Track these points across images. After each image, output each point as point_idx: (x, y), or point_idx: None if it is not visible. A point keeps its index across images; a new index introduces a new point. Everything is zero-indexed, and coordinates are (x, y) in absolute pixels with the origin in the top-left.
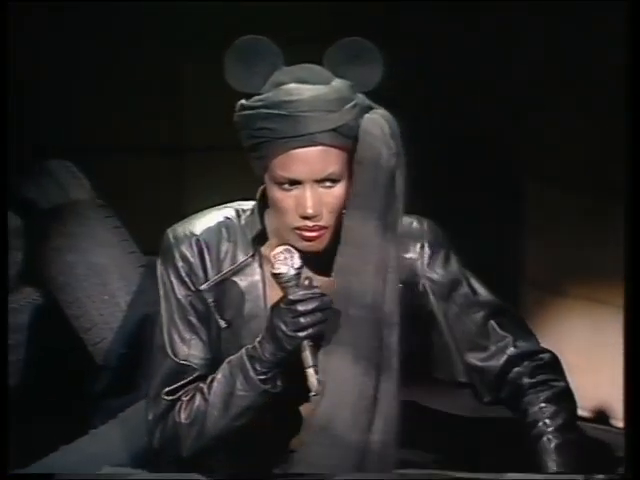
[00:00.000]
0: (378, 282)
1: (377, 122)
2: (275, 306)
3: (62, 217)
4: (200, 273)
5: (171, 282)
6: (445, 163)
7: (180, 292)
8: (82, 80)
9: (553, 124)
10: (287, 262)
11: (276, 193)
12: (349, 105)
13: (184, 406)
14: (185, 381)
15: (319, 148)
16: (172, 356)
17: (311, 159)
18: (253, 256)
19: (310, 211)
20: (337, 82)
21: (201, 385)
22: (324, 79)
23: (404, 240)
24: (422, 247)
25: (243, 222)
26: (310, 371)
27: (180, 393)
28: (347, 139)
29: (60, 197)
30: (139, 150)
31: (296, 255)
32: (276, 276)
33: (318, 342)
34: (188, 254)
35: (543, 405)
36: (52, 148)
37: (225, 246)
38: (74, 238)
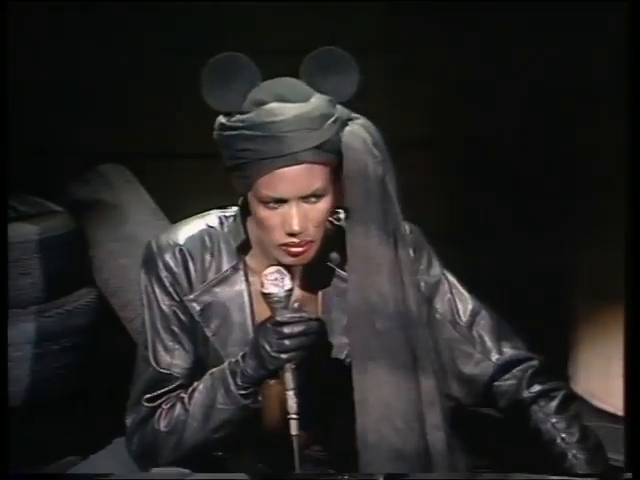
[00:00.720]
0: (396, 289)
1: (358, 134)
2: (261, 325)
3: (115, 221)
4: (184, 283)
5: (154, 292)
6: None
7: (164, 302)
8: (82, 80)
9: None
10: (278, 283)
11: (261, 212)
12: (330, 121)
13: (164, 414)
14: (166, 389)
15: (303, 166)
16: (154, 365)
17: (296, 177)
18: (237, 265)
19: (296, 228)
20: (317, 98)
21: (182, 394)
22: (304, 95)
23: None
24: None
25: (226, 230)
26: (290, 394)
27: (161, 400)
28: (330, 154)
29: (114, 201)
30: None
31: (287, 277)
32: (266, 296)
33: (301, 365)
34: (172, 264)
35: (554, 420)
36: (52, 148)
37: (209, 255)
38: (127, 242)
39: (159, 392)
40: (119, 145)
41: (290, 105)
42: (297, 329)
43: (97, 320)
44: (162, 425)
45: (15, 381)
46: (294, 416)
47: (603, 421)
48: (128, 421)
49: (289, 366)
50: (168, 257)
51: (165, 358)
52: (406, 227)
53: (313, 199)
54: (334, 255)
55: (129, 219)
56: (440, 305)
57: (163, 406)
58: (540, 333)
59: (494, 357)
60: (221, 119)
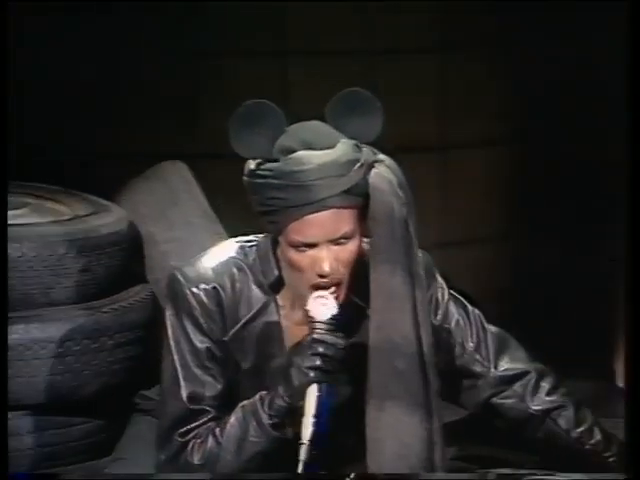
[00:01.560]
0: (416, 329)
1: (385, 176)
2: (297, 344)
3: (169, 221)
4: (217, 319)
5: (185, 327)
6: None
7: (197, 338)
8: (82, 80)
9: None
10: (325, 304)
11: (292, 255)
12: (357, 166)
13: (197, 447)
14: (198, 423)
15: (331, 211)
16: (186, 402)
17: (325, 223)
18: (269, 301)
19: (327, 269)
20: (342, 144)
21: (214, 427)
22: (329, 141)
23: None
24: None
25: (252, 261)
26: (308, 419)
27: (193, 434)
28: (357, 197)
29: (170, 201)
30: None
31: (333, 301)
32: (310, 317)
33: (324, 394)
34: (204, 300)
35: (576, 435)
36: (52, 149)
37: (239, 289)
38: (179, 243)
39: (191, 426)
40: (129, 145)
41: (317, 153)
42: (331, 352)
43: (151, 317)
44: (195, 459)
45: (74, 374)
46: (306, 442)
47: None
48: (162, 457)
49: (314, 391)
50: (200, 293)
51: (197, 392)
52: (419, 254)
53: (342, 241)
54: None
55: (183, 220)
56: (450, 326)
57: (196, 440)
58: (586, 330)
59: (491, 371)
60: (250, 165)
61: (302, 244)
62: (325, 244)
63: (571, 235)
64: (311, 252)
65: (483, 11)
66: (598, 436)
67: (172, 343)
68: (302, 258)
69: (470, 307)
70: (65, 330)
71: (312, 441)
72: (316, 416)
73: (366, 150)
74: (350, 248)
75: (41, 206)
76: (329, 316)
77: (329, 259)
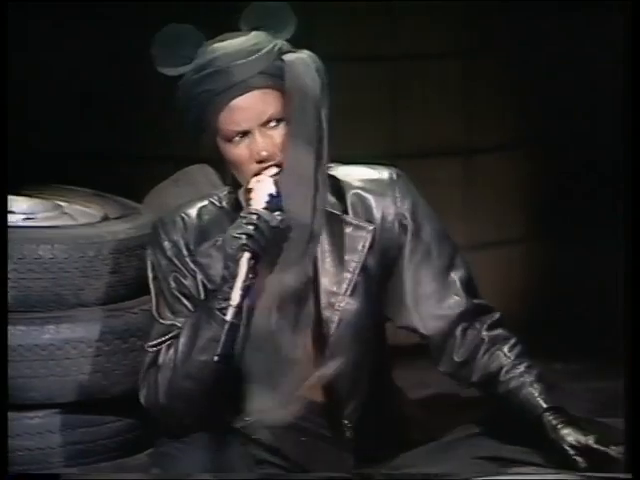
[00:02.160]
0: (307, 205)
1: (300, 57)
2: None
3: None
4: (183, 244)
5: (158, 260)
6: None
7: (167, 268)
8: (82, 83)
9: None
10: (264, 183)
11: (230, 149)
12: (270, 46)
13: (162, 353)
14: (168, 337)
15: (255, 93)
16: (158, 318)
17: (251, 105)
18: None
19: (264, 153)
20: (253, 34)
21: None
22: (242, 34)
23: (379, 185)
24: (394, 191)
25: (221, 196)
26: (238, 283)
27: (162, 345)
28: (277, 79)
29: None
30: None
31: (271, 181)
32: (251, 197)
33: (258, 256)
34: (170, 229)
35: (525, 364)
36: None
37: (207, 219)
38: None
39: (161, 339)
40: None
41: (229, 41)
42: (263, 225)
43: None
44: (160, 363)
45: (105, 374)
46: (233, 304)
47: None
48: (139, 374)
49: (246, 258)
50: (166, 224)
51: (165, 312)
52: (391, 171)
53: (273, 124)
54: None
55: None
56: (421, 245)
57: (164, 347)
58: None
59: (465, 303)
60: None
61: (235, 133)
62: (257, 129)
63: (595, 237)
64: (247, 141)
65: (505, 14)
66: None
67: (150, 279)
68: (240, 150)
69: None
70: (95, 330)
71: (240, 307)
72: (245, 281)
73: (283, 41)
74: (282, 132)
75: (72, 209)
76: (267, 197)
77: (264, 142)
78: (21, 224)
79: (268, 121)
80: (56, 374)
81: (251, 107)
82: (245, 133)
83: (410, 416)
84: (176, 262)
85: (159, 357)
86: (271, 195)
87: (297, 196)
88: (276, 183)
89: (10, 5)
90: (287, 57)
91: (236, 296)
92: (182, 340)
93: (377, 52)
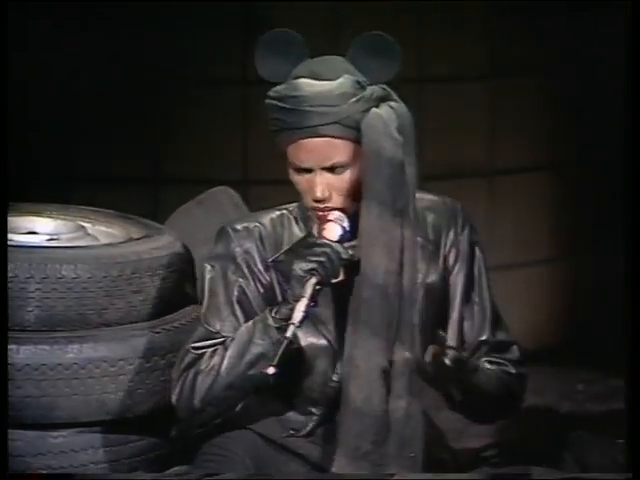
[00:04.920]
0: (389, 263)
1: (379, 115)
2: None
3: None
4: (257, 255)
5: (224, 267)
6: None
7: (232, 276)
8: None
9: None
10: (335, 222)
11: (294, 176)
12: (352, 100)
13: (206, 358)
14: (212, 342)
15: (324, 139)
16: (205, 325)
17: (317, 149)
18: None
19: (319, 195)
20: (344, 78)
21: (226, 341)
22: (334, 74)
23: (445, 210)
24: (456, 222)
25: (292, 208)
26: (303, 301)
27: (206, 350)
28: (352, 130)
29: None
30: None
31: (340, 222)
32: (320, 232)
33: (323, 282)
34: (245, 238)
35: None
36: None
37: (280, 230)
38: None
39: (205, 344)
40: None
41: (315, 82)
42: (334, 256)
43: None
44: (202, 368)
45: (128, 393)
46: (296, 323)
47: None
48: (174, 371)
49: (313, 281)
50: (240, 231)
51: (215, 322)
52: (449, 201)
53: (337, 170)
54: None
55: None
56: (468, 273)
57: (207, 351)
58: None
59: (485, 335)
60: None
61: (297, 167)
62: (319, 170)
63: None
64: (307, 176)
65: (529, 37)
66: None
67: (206, 282)
68: (301, 180)
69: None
70: (119, 350)
71: (300, 325)
72: (309, 304)
73: (375, 89)
74: (345, 178)
75: (95, 230)
76: (340, 229)
77: (321, 185)
78: (45, 244)
79: (332, 167)
80: (80, 393)
81: (317, 150)
82: (307, 170)
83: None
84: (245, 270)
85: (201, 361)
86: (343, 228)
87: (370, 257)
88: (348, 219)
89: (10, 5)
90: (366, 116)
91: (298, 316)
92: (230, 351)
93: (401, 74)
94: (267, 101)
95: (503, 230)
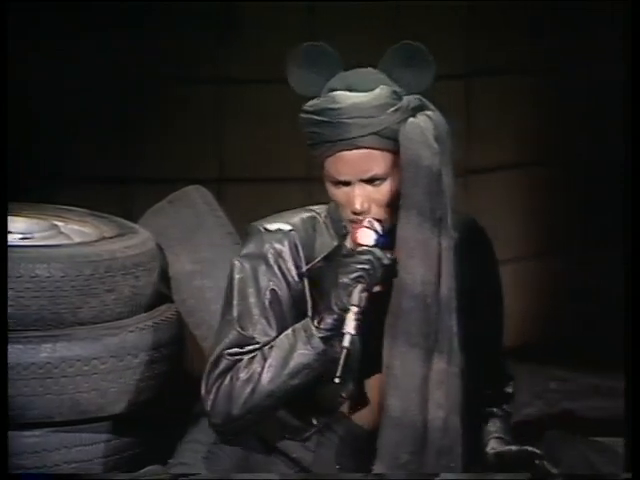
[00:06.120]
0: (428, 273)
1: (417, 125)
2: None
3: (196, 243)
4: (290, 260)
5: (255, 269)
6: None
7: (264, 280)
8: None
9: None
10: (371, 228)
11: (331, 189)
12: (390, 110)
13: (243, 365)
14: (248, 349)
15: (363, 151)
16: (239, 329)
17: (356, 161)
18: (339, 246)
19: (358, 207)
20: (381, 89)
21: (263, 348)
22: (370, 85)
23: (475, 231)
24: (484, 238)
25: (323, 211)
26: (353, 309)
27: (242, 356)
28: (390, 141)
29: (196, 224)
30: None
31: (377, 228)
32: (357, 241)
33: (369, 289)
34: (280, 242)
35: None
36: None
37: (312, 234)
38: (205, 264)
39: (241, 350)
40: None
41: (352, 94)
42: (377, 262)
43: (176, 335)
44: (241, 375)
45: (102, 392)
46: (351, 331)
47: None
48: (209, 377)
49: (359, 289)
50: (275, 235)
51: (249, 326)
52: (471, 222)
53: (376, 182)
54: None
55: (208, 242)
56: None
57: (244, 358)
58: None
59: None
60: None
61: (336, 180)
62: (357, 183)
63: (590, 254)
64: (346, 189)
65: (507, 37)
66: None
67: (236, 283)
68: (338, 193)
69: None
70: (92, 349)
71: (356, 334)
72: (360, 307)
73: (411, 99)
74: (383, 190)
75: (68, 228)
76: (374, 235)
77: (360, 197)
78: (18, 244)
79: (370, 179)
80: (53, 392)
81: (356, 163)
82: (346, 183)
83: None
84: (277, 273)
85: (238, 369)
86: (377, 233)
87: (408, 268)
88: (381, 224)
89: (11, 6)
90: (404, 125)
91: (351, 324)
92: (271, 360)
93: None
94: (302, 115)
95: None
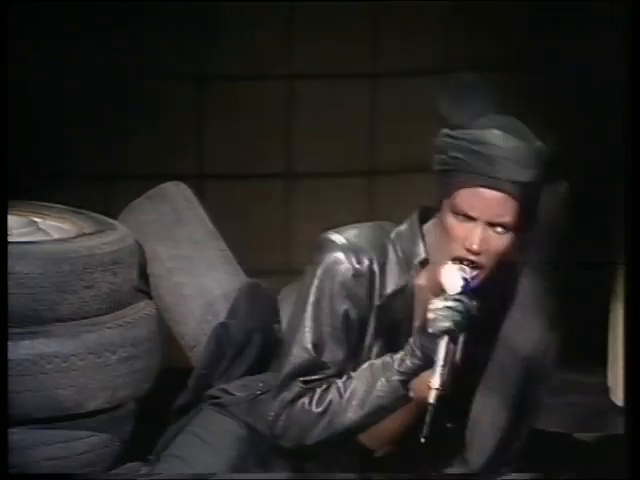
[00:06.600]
0: (541, 338)
1: (557, 193)
2: (431, 304)
3: (175, 240)
4: (366, 286)
5: (331, 289)
6: None
7: (338, 301)
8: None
9: None
10: (465, 275)
11: (450, 219)
12: (540, 166)
13: (317, 396)
14: (321, 376)
15: (504, 195)
16: (312, 353)
17: (493, 202)
18: (411, 278)
19: (475, 247)
20: (540, 142)
21: (336, 381)
22: (525, 136)
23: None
24: None
25: (398, 239)
26: (439, 364)
27: (314, 384)
28: (530, 195)
29: (174, 220)
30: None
31: (471, 275)
32: (446, 284)
33: (455, 345)
34: (359, 267)
35: None
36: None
37: (385, 262)
38: (184, 261)
39: (313, 377)
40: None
41: (513, 137)
42: (465, 312)
43: (154, 332)
44: (314, 406)
45: (80, 389)
46: (438, 387)
47: None
48: (277, 400)
49: (446, 341)
50: (355, 259)
51: (321, 351)
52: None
53: (499, 229)
54: None
55: (187, 238)
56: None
57: (317, 389)
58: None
59: None
60: (447, 130)
61: (463, 213)
62: (483, 223)
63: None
64: (468, 225)
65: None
66: None
67: (311, 299)
68: (457, 227)
69: None
70: (70, 345)
71: (442, 388)
72: (445, 361)
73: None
74: (503, 239)
75: (47, 225)
76: (461, 280)
77: (481, 238)
78: None
79: (497, 224)
80: (31, 389)
81: (493, 204)
82: (471, 218)
83: None
84: (352, 295)
85: (312, 399)
86: (465, 280)
87: (527, 331)
88: (477, 271)
89: (11, 6)
90: (551, 188)
91: (437, 380)
92: (348, 396)
93: (355, 69)
94: (449, 140)
95: None
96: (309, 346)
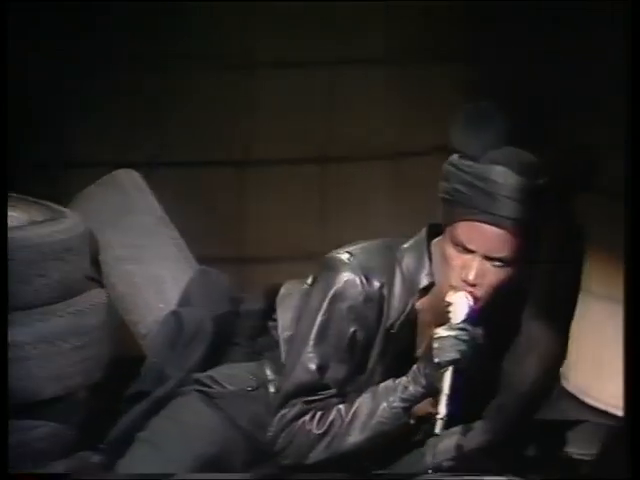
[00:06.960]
0: (540, 375)
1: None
2: (436, 332)
3: (125, 228)
4: (375, 310)
5: (340, 310)
6: None
7: (347, 323)
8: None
9: None
10: (468, 302)
11: (449, 249)
12: (544, 205)
13: (318, 417)
14: (322, 396)
15: (502, 231)
16: (316, 374)
17: (491, 238)
18: (416, 301)
19: (471, 278)
20: (543, 181)
21: (337, 403)
22: (532, 173)
23: None
24: None
25: (404, 261)
26: (444, 395)
27: (315, 404)
28: (529, 231)
29: (124, 206)
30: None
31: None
32: (452, 309)
33: (460, 374)
34: (369, 290)
35: None
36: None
37: (392, 285)
38: (135, 249)
39: (315, 397)
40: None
41: (517, 175)
42: (470, 340)
43: (106, 320)
44: (314, 427)
45: (30, 378)
46: (442, 417)
47: (589, 417)
48: (279, 417)
49: (451, 372)
50: (366, 282)
51: (325, 371)
52: None
53: (497, 263)
54: None
55: (138, 226)
56: None
57: (317, 410)
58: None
59: None
60: (454, 156)
61: (461, 245)
62: (480, 256)
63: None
64: (466, 256)
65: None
66: None
67: (319, 319)
68: (455, 257)
69: None
70: (22, 334)
71: (447, 417)
72: (450, 392)
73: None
74: (500, 273)
75: None
76: (467, 308)
77: (477, 271)
78: None
79: (495, 258)
80: None
81: (491, 239)
82: (470, 250)
83: None
84: (360, 317)
85: (312, 420)
86: (470, 307)
87: (527, 368)
88: (472, 299)
89: (11, 6)
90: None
91: (443, 410)
92: (349, 419)
93: (313, 57)
94: (454, 171)
95: (405, 212)
96: (313, 368)
